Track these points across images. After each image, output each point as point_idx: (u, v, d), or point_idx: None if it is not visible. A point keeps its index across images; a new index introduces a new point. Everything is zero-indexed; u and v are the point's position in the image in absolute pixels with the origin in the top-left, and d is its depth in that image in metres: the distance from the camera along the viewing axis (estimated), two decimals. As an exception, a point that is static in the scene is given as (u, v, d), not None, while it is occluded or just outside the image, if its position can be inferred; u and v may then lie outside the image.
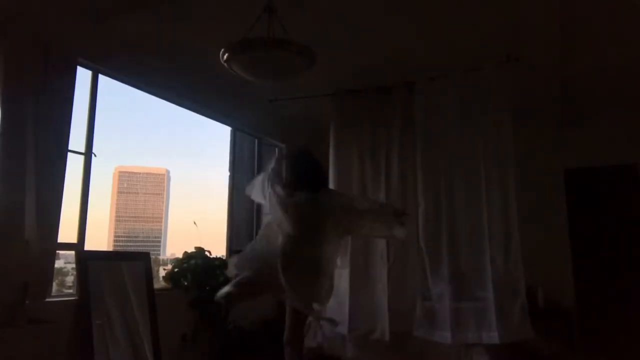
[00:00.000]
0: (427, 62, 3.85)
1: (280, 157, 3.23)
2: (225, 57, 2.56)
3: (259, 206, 5.34)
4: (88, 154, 3.49)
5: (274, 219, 2.94)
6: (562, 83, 4.20)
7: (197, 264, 4.11)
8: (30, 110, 2.90)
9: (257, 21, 2.63)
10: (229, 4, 3.06)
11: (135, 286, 3.59)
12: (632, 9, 3.09)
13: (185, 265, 4.11)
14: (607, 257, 4.90)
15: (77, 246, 3.37)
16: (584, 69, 4.03)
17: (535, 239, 4.15)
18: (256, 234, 5.26)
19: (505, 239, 3.47)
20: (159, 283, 4.13)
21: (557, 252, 4.91)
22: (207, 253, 4.28)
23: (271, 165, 3.03)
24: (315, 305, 2.84)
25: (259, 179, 3.07)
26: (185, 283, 4.05)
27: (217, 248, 4.68)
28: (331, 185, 4.15)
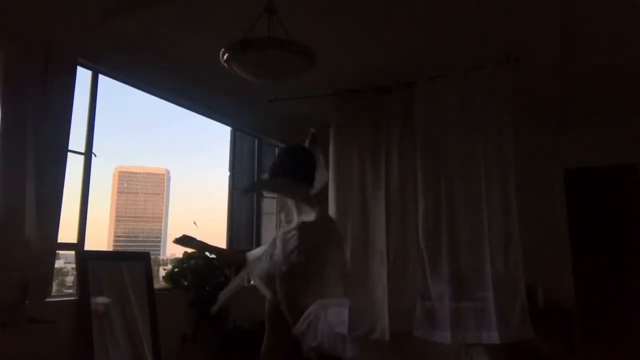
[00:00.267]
0: (427, 62, 3.85)
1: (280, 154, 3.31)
2: (225, 57, 2.56)
3: (259, 206, 5.35)
4: (88, 154, 3.49)
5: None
6: (562, 83, 4.20)
7: (197, 264, 4.11)
8: (30, 110, 2.90)
9: (257, 21, 2.63)
10: (229, 4, 3.06)
11: (135, 286, 3.59)
12: (632, 9, 3.09)
13: (185, 265, 4.11)
14: (607, 257, 4.90)
15: (77, 246, 3.37)
16: (584, 69, 4.03)
17: (535, 239, 4.15)
18: (256, 234, 5.27)
19: (505, 239, 3.47)
20: (159, 283, 4.13)
21: (557, 252, 4.91)
22: (207, 253, 4.28)
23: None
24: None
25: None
26: (185, 283, 4.05)
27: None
28: (331, 185, 4.15)
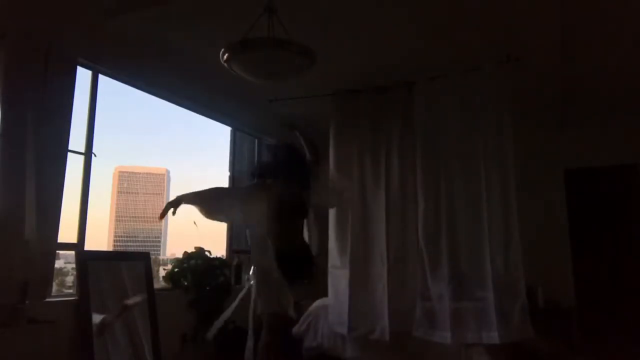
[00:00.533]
0: (427, 62, 3.85)
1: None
2: (225, 57, 2.56)
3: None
4: (88, 154, 3.49)
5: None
6: (562, 83, 4.20)
7: (197, 264, 4.11)
8: (30, 110, 2.90)
9: (257, 21, 2.63)
10: (229, 4, 3.06)
11: (135, 286, 3.59)
12: (632, 9, 3.09)
13: (185, 265, 4.11)
14: (607, 257, 4.90)
15: (77, 246, 3.37)
16: (584, 69, 4.04)
17: (535, 239, 4.15)
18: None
19: (505, 239, 3.47)
20: (159, 283, 4.13)
21: (557, 252, 4.91)
22: (207, 253, 4.28)
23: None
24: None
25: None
26: (185, 283, 4.05)
27: (217, 248, 4.68)
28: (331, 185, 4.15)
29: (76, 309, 3.16)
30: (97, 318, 3.15)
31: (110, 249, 42.98)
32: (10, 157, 2.81)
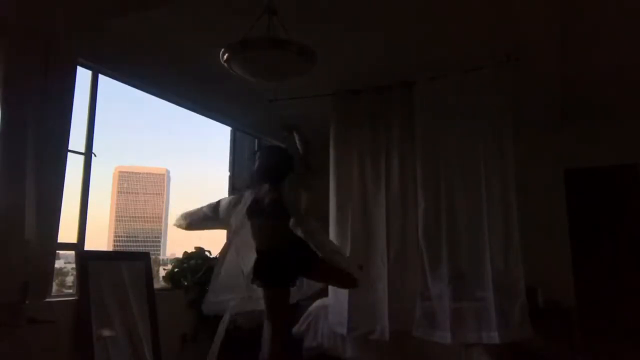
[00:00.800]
0: (427, 62, 3.85)
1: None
2: (225, 57, 2.56)
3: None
4: (88, 154, 3.49)
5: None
6: (562, 83, 4.20)
7: (197, 264, 4.11)
8: (30, 110, 2.90)
9: (257, 21, 2.63)
10: (229, 4, 3.06)
11: (135, 286, 3.59)
12: (632, 9, 3.09)
13: (185, 265, 4.11)
14: (607, 257, 4.90)
15: (77, 246, 3.37)
16: (584, 69, 4.03)
17: (535, 239, 4.15)
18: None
19: (505, 239, 3.47)
20: (159, 283, 4.13)
21: (557, 252, 4.91)
22: (207, 253, 4.28)
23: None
24: None
25: None
26: (185, 283, 4.05)
27: (217, 248, 4.68)
28: (331, 185, 4.15)
29: (76, 309, 3.16)
30: None
31: (110, 249, 43.05)
32: (10, 157, 2.81)
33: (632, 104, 4.72)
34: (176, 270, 4.10)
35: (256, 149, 5.49)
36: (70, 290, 3.43)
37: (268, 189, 3.15)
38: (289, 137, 3.33)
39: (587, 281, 4.82)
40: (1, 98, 2.81)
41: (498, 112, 3.60)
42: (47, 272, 3.00)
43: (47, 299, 2.99)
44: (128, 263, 3.69)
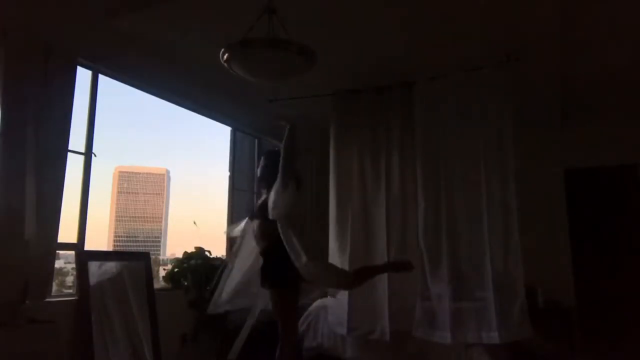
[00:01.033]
0: (427, 62, 3.85)
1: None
2: (225, 57, 2.56)
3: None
4: (88, 154, 3.50)
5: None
6: (562, 82, 4.20)
7: (197, 264, 4.11)
8: (30, 110, 2.91)
9: (257, 21, 2.63)
10: (229, 4, 3.06)
11: (135, 286, 3.59)
12: (632, 9, 3.09)
13: (185, 265, 4.11)
14: (607, 257, 4.90)
15: (77, 246, 3.37)
16: (584, 69, 4.03)
17: (535, 239, 4.15)
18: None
19: (505, 239, 3.47)
20: (159, 283, 4.13)
21: (557, 252, 4.91)
22: (207, 253, 4.28)
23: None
24: None
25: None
26: (185, 283, 4.05)
27: (217, 248, 4.69)
28: (331, 185, 4.15)
29: (76, 309, 3.16)
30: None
31: (110, 249, 43.03)
32: (10, 157, 2.81)
33: (632, 104, 4.72)
34: (176, 270, 4.10)
35: (256, 150, 5.50)
36: (70, 290, 3.43)
37: (266, 192, 3.16)
38: (284, 129, 3.31)
39: (587, 281, 4.81)
40: (1, 98, 2.81)
41: (498, 112, 3.60)
42: (47, 272, 3.00)
43: (47, 299, 2.99)
44: (128, 263, 3.70)
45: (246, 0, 2.74)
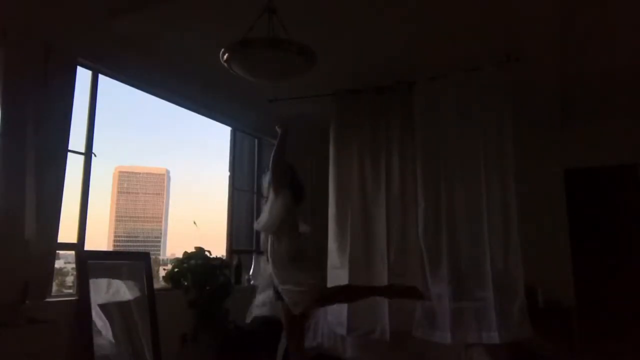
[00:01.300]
0: (427, 62, 3.85)
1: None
2: (225, 57, 2.56)
3: (259, 206, 5.35)
4: (88, 154, 3.49)
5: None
6: (562, 83, 4.20)
7: (197, 264, 4.11)
8: (30, 110, 2.91)
9: (257, 21, 2.63)
10: (229, 4, 3.06)
11: (135, 286, 3.59)
12: (632, 9, 3.09)
13: (185, 265, 4.11)
14: (607, 257, 4.90)
15: (77, 246, 3.37)
16: (584, 69, 4.03)
17: (535, 239, 4.15)
18: (256, 234, 5.27)
19: (505, 239, 3.47)
20: (159, 283, 4.13)
21: (557, 252, 4.92)
22: (207, 253, 4.28)
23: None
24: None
25: None
26: (185, 283, 4.05)
27: (217, 248, 4.69)
28: (331, 185, 4.15)
29: (76, 309, 3.16)
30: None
31: (110, 249, 43.00)
32: (10, 157, 2.81)
33: (632, 104, 4.72)
34: (176, 270, 4.09)
35: (256, 150, 5.50)
36: (70, 290, 3.43)
37: None
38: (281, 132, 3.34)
39: (587, 281, 4.82)
40: (1, 98, 2.81)
41: (498, 112, 3.60)
42: (47, 272, 3.00)
43: (47, 299, 2.99)
44: (128, 263, 3.70)
45: (246, 0, 2.74)
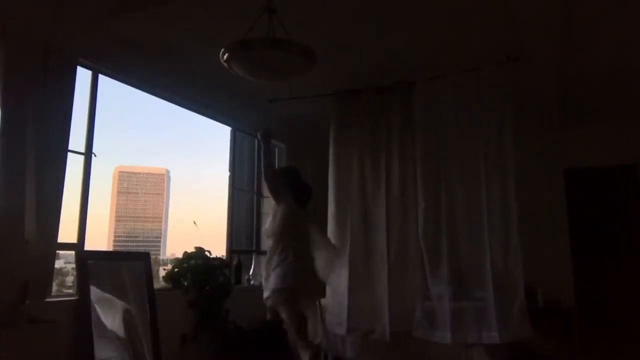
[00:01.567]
0: (426, 62, 3.85)
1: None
2: (225, 57, 2.56)
3: (259, 206, 5.35)
4: (88, 154, 3.49)
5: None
6: (562, 83, 4.20)
7: (197, 264, 4.11)
8: (30, 110, 2.90)
9: (257, 21, 2.63)
10: (229, 4, 3.06)
11: (135, 286, 3.58)
12: (632, 9, 3.09)
13: (185, 265, 4.10)
14: (607, 257, 4.90)
15: (77, 246, 3.36)
16: (584, 69, 4.03)
17: (535, 239, 4.15)
18: (256, 234, 5.28)
19: (505, 239, 3.47)
20: (159, 283, 4.13)
21: (557, 252, 4.92)
22: (207, 253, 4.28)
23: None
24: None
25: None
26: (185, 283, 4.04)
27: (217, 248, 4.69)
28: (331, 185, 4.16)
29: (76, 309, 3.15)
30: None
31: (110, 249, 42.98)
32: (10, 157, 2.81)
33: (632, 104, 4.72)
34: (176, 270, 4.09)
35: (256, 150, 5.50)
36: (70, 290, 3.43)
37: None
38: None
39: (587, 281, 4.82)
40: (1, 98, 2.81)
41: (498, 112, 3.60)
42: (47, 272, 3.00)
43: (47, 299, 2.99)
44: (128, 263, 3.69)
45: (246, 0, 2.74)
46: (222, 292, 4.13)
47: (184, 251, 4.23)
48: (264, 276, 3.32)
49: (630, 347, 4.11)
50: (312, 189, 3.54)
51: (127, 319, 3.20)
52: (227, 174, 5.07)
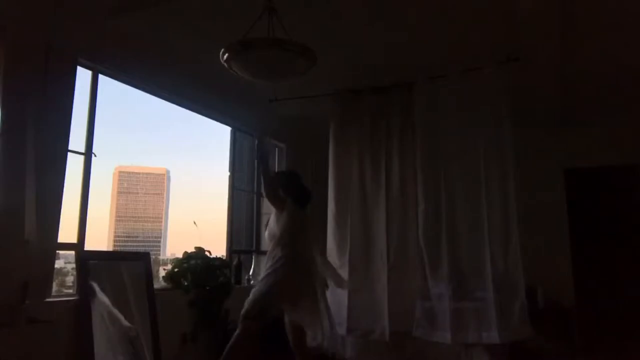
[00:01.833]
0: (427, 62, 3.85)
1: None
2: (225, 57, 2.56)
3: (259, 206, 5.35)
4: (88, 154, 3.49)
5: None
6: (562, 83, 4.20)
7: (197, 264, 4.11)
8: (30, 110, 2.90)
9: (257, 21, 2.63)
10: (229, 4, 3.06)
11: (135, 286, 3.58)
12: (632, 9, 3.09)
13: (185, 265, 4.10)
14: (607, 257, 4.90)
15: (77, 246, 3.36)
16: (584, 69, 4.03)
17: (535, 239, 4.15)
18: (256, 234, 5.27)
19: (505, 239, 3.47)
20: (159, 283, 4.13)
21: (557, 252, 4.92)
22: (207, 253, 4.28)
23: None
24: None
25: None
26: (185, 283, 4.04)
27: (217, 248, 4.69)
28: (330, 185, 4.16)
29: (76, 309, 3.15)
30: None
31: (110, 249, 42.98)
32: (10, 157, 2.80)
33: (633, 103, 4.72)
34: (176, 270, 4.09)
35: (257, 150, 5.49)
36: (70, 290, 3.43)
37: None
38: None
39: (587, 281, 4.82)
40: (1, 98, 2.80)
41: (498, 112, 3.60)
42: (47, 272, 2.99)
43: (47, 299, 2.98)
44: (128, 263, 3.69)
45: (246, 0, 2.74)
46: (222, 292, 4.13)
47: (184, 251, 4.24)
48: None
49: (630, 347, 4.11)
50: (311, 191, 3.53)
51: (133, 341, 3.20)
52: (227, 174, 5.07)
